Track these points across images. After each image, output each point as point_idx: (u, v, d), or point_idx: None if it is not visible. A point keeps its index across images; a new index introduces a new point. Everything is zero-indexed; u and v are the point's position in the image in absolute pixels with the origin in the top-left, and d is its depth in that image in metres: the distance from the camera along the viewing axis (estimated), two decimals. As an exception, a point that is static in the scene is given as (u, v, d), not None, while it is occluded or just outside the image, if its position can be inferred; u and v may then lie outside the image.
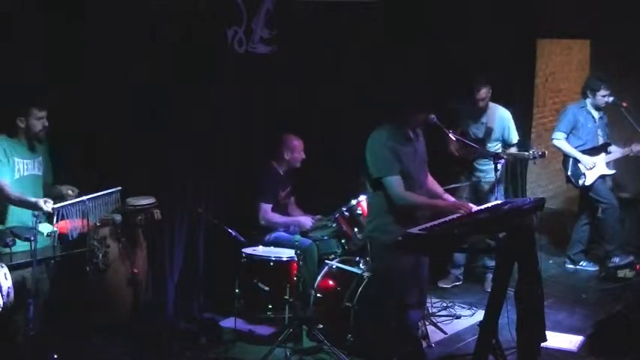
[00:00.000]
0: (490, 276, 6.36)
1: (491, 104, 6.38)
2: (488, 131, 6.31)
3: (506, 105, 6.58)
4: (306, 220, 5.85)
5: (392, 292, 4.40)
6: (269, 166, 5.91)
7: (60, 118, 4.62)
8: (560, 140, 6.94)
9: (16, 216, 4.43)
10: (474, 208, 4.41)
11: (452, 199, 4.67)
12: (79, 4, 4.88)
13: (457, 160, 6.33)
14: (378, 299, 4.56)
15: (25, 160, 4.50)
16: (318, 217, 5.88)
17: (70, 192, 4.56)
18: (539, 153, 6.32)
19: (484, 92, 6.30)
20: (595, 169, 6.83)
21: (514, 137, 6.39)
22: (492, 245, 5.37)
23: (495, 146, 6.36)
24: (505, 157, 5.82)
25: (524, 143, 6.87)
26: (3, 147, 4.41)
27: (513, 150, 6.43)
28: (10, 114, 4.45)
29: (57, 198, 4.45)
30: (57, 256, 4.38)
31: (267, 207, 5.78)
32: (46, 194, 4.51)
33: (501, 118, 6.35)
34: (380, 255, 4.44)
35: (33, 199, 4.34)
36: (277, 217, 5.83)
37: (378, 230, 4.39)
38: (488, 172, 6.30)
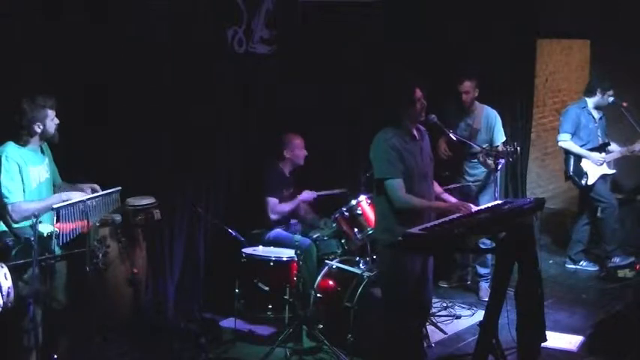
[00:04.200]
0: (484, 284, 6.37)
1: (479, 105, 6.25)
2: (474, 132, 6.17)
3: (506, 105, 6.52)
4: (307, 194, 5.95)
5: (399, 294, 4.39)
6: (275, 165, 5.96)
7: (60, 119, 4.61)
8: (566, 141, 6.91)
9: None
10: (474, 208, 4.40)
11: (452, 199, 4.66)
12: (78, 4, 4.88)
13: (445, 163, 6.18)
14: (384, 301, 4.55)
15: (38, 167, 4.45)
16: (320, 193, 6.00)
17: (90, 191, 4.55)
18: (512, 149, 5.55)
19: (467, 85, 6.14)
20: (597, 168, 6.83)
21: (500, 137, 6.19)
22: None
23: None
24: (504, 157, 5.78)
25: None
26: (16, 161, 4.29)
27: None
28: (27, 122, 4.33)
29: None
30: (57, 256, 4.37)
31: (274, 200, 5.83)
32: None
33: (487, 117, 6.20)
34: (388, 257, 4.41)
35: (54, 199, 4.35)
36: (286, 206, 5.89)
37: (386, 232, 4.36)
38: (478, 174, 6.27)
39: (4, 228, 4.33)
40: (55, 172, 4.65)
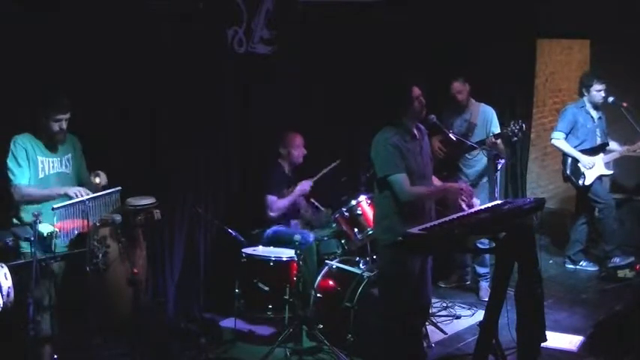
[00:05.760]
0: (484, 284, 6.40)
1: (475, 102, 6.33)
2: (471, 127, 6.26)
3: (506, 105, 6.52)
4: (304, 184, 5.94)
5: (399, 293, 4.39)
6: (277, 164, 5.97)
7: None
8: (559, 140, 6.95)
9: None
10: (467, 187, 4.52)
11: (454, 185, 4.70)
12: (79, 3, 4.88)
13: (441, 162, 6.18)
14: (384, 301, 4.55)
15: (50, 159, 4.54)
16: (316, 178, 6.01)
17: (97, 180, 4.62)
18: (517, 127, 5.89)
19: (457, 86, 6.25)
20: (594, 169, 6.84)
21: (496, 130, 6.21)
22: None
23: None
24: (504, 157, 5.80)
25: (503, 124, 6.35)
26: (25, 147, 4.44)
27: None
28: (32, 112, 4.48)
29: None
30: (57, 256, 4.38)
31: (273, 198, 5.85)
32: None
33: (484, 113, 6.29)
34: (388, 257, 4.42)
35: (53, 191, 4.42)
36: (284, 201, 5.90)
37: (387, 232, 4.36)
38: (472, 174, 6.30)
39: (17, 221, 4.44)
40: (82, 168, 4.73)
